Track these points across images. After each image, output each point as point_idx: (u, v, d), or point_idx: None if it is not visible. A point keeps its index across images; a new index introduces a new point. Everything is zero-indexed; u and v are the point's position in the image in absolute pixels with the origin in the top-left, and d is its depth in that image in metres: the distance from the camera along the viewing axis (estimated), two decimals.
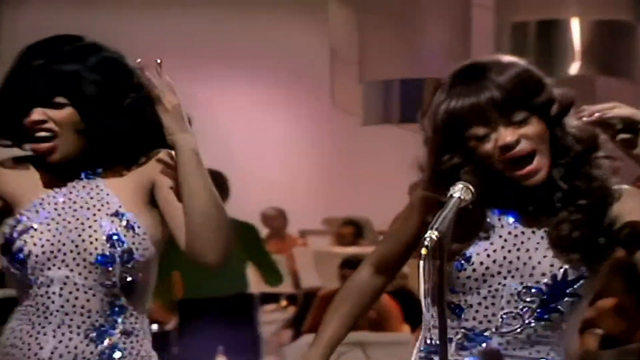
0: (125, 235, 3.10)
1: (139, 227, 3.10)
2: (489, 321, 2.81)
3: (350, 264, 8.00)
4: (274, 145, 14.07)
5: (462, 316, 2.86)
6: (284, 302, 10.94)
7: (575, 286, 2.72)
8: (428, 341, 2.88)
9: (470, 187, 2.64)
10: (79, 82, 3.10)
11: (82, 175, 3.18)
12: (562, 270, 2.70)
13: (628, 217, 2.72)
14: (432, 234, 2.47)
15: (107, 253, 3.09)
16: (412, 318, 7.85)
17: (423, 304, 2.57)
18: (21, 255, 3.09)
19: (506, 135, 2.63)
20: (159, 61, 3.00)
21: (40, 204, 3.15)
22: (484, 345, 2.84)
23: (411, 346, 6.83)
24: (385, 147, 12.40)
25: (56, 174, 3.15)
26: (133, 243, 3.08)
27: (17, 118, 3.07)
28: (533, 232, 2.77)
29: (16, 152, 3.16)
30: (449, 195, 2.59)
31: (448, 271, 2.76)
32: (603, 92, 10.17)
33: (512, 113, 2.66)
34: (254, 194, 11.97)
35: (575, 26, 10.01)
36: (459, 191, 2.61)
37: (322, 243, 12.27)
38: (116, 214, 3.13)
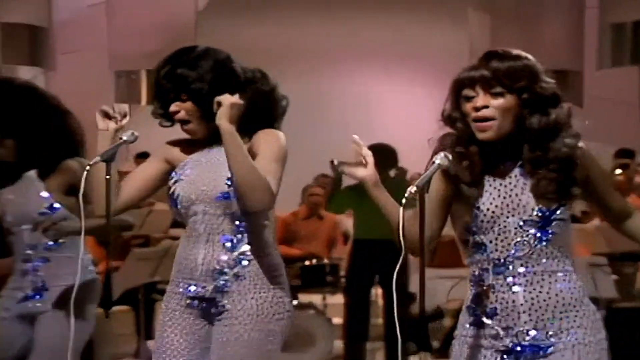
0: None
1: None
2: (507, 250, 3.26)
3: None
4: (421, 135, 14.67)
5: (487, 250, 3.30)
6: None
7: (558, 212, 3.22)
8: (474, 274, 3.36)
9: (449, 156, 3.20)
10: (193, 83, 3.72)
11: (214, 146, 3.81)
12: (546, 206, 3.21)
13: (588, 172, 3.24)
14: (411, 189, 3.04)
15: (226, 191, 3.76)
16: None
17: (402, 243, 3.11)
18: (175, 198, 3.84)
19: (480, 99, 3.22)
20: None
21: (185, 165, 3.86)
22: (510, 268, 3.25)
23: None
24: None
25: (200, 146, 3.87)
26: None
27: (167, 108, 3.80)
28: (518, 181, 3.24)
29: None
30: (432, 162, 3.19)
31: (468, 221, 3.33)
32: None
33: (493, 87, 3.21)
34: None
35: None
36: (439, 159, 3.17)
37: None
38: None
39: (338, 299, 8.54)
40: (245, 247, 3.79)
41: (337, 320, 7.97)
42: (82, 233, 3.87)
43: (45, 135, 4.64)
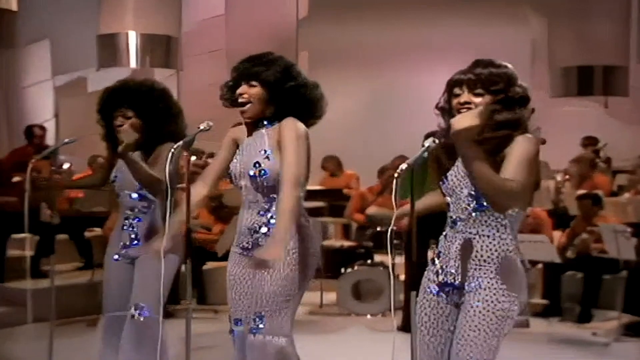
0: (263, 163, 3.99)
1: (270, 157, 4.00)
2: (457, 212, 3.50)
3: None
4: None
5: (450, 209, 3.55)
6: None
7: None
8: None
9: (436, 140, 3.41)
10: (263, 73, 3.92)
11: (254, 132, 4.03)
12: None
13: (508, 154, 3.31)
14: (402, 166, 3.23)
15: (253, 173, 3.97)
16: (560, 226, 9.01)
17: (395, 211, 3.36)
18: (230, 174, 4.10)
19: (464, 97, 3.41)
20: None
21: (240, 146, 4.09)
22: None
23: (547, 243, 7.47)
24: (564, 113, 12.48)
25: (251, 127, 4.05)
26: (267, 166, 3.97)
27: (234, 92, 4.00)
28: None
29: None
30: (423, 145, 3.40)
31: (438, 188, 3.60)
32: None
33: (475, 88, 3.40)
34: None
35: None
36: (428, 142, 3.37)
37: None
38: (264, 150, 4.03)
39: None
40: (275, 214, 3.99)
41: (403, 277, 7.88)
42: (169, 201, 4.08)
43: (163, 124, 4.77)
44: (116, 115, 4.64)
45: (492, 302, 3.41)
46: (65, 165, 10.24)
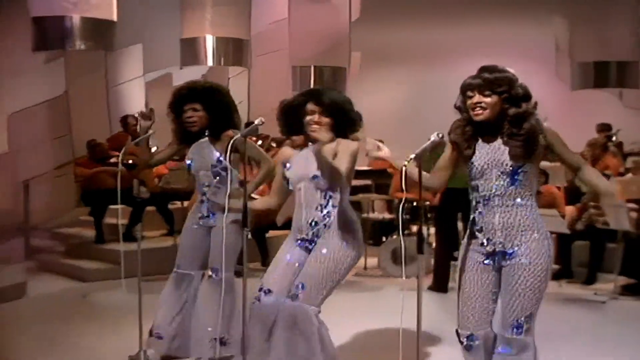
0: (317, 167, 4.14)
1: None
2: (490, 190, 3.61)
3: None
4: None
5: (480, 190, 3.64)
6: None
7: (522, 167, 3.56)
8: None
9: (440, 134, 3.51)
10: (327, 105, 4.12)
11: (303, 149, 4.28)
12: (514, 163, 3.55)
13: (549, 142, 3.57)
14: (410, 156, 3.37)
15: (315, 174, 4.16)
16: (571, 202, 8.91)
17: (404, 197, 3.48)
18: (287, 179, 4.31)
19: (476, 98, 3.56)
20: None
21: (292, 160, 4.29)
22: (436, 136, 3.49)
23: (558, 217, 7.37)
24: (583, 103, 12.83)
25: (299, 147, 4.36)
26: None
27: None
28: (499, 147, 3.59)
29: None
30: (429, 138, 3.48)
31: (466, 171, 3.71)
32: None
33: (484, 90, 3.54)
34: None
35: None
36: (433, 136, 3.50)
37: None
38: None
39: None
40: (330, 209, 4.21)
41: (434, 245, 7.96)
42: (228, 181, 4.51)
43: (224, 115, 4.97)
44: (186, 109, 4.90)
45: (538, 260, 3.56)
46: (153, 149, 10.71)
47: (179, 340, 4.96)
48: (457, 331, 3.76)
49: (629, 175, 9.46)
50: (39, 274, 8.38)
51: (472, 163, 3.64)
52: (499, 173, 3.58)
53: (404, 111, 14.21)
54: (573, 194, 9.25)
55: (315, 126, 4.11)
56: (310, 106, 4.14)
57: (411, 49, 14.09)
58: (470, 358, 3.74)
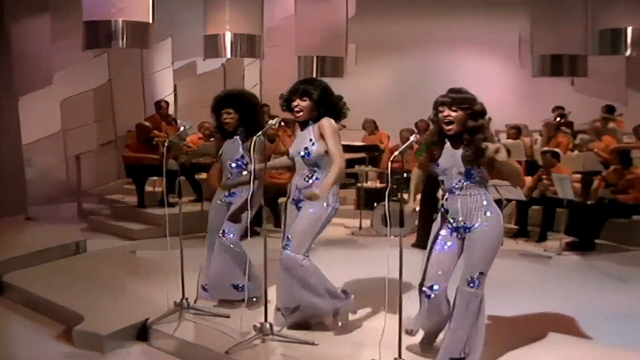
0: (309, 147, 4.52)
1: (314, 144, 4.51)
2: (452, 184, 3.95)
3: None
4: (490, 87, 12.66)
5: (445, 184, 3.99)
6: None
7: (475, 168, 3.88)
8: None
9: (418, 136, 3.87)
10: (310, 91, 4.50)
11: (304, 129, 4.59)
12: (469, 165, 3.87)
13: (488, 152, 3.77)
14: (395, 153, 3.78)
15: (303, 152, 4.52)
16: (529, 174, 9.13)
17: (388, 187, 3.76)
18: (290, 153, 4.64)
19: (446, 112, 3.85)
20: None
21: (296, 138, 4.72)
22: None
23: (517, 188, 7.52)
24: (542, 89, 13.00)
25: (302, 125, 4.63)
26: (311, 150, 4.52)
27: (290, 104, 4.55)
28: (460, 153, 3.89)
29: None
30: (409, 140, 3.81)
31: (433, 170, 3.98)
32: None
33: (452, 106, 3.83)
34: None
35: None
36: (412, 137, 3.85)
37: None
38: (310, 139, 4.54)
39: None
40: (313, 180, 4.56)
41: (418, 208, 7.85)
42: (253, 170, 4.75)
43: (252, 117, 5.25)
44: (222, 113, 5.30)
45: (490, 232, 3.92)
46: (182, 128, 10.99)
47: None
48: (420, 285, 4.11)
49: (576, 152, 9.88)
50: (92, 233, 8.69)
51: (438, 164, 3.99)
52: (457, 172, 3.94)
53: (393, 94, 14.27)
54: (531, 167, 9.79)
55: (299, 112, 4.55)
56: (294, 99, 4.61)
57: (399, 41, 14.08)
58: (426, 306, 4.08)
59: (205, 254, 5.50)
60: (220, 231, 5.21)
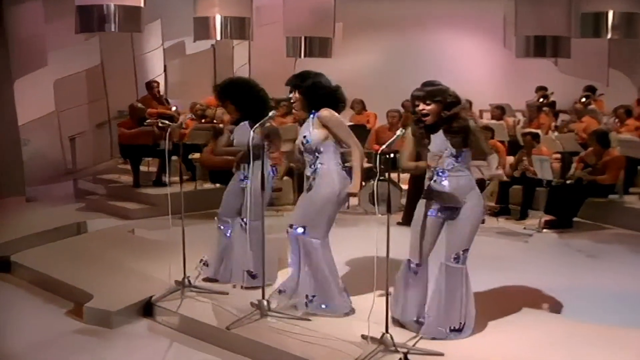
0: (308, 135, 4.72)
1: (313, 131, 4.69)
2: (443, 166, 4.25)
3: None
4: (475, 67, 14.38)
5: (434, 166, 4.27)
6: None
7: (460, 152, 4.22)
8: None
9: (404, 130, 4.08)
10: (302, 85, 4.71)
11: (310, 117, 4.75)
12: (455, 149, 4.21)
13: (471, 136, 4.17)
14: (383, 147, 3.94)
15: (303, 140, 4.73)
16: (511, 153, 9.49)
17: (377, 176, 4.20)
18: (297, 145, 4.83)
19: (421, 106, 4.18)
20: None
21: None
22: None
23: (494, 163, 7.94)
24: (526, 69, 13.23)
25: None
26: (310, 137, 4.72)
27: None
28: (441, 138, 4.21)
29: None
30: (395, 133, 4.07)
31: (425, 153, 4.24)
32: None
33: (426, 100, 4.14)
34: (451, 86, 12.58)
35: None
36: (399, 131, 4.06)
37: None
38: (310, 128, 4.73)
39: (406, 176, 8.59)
40: (318, 166, 4.74)
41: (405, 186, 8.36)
42: (250, 160, 4.94)
43: (249, 105, 5.44)
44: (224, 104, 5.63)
45: (472, 212, 4.27)
46: (174, 108, 11.31)
47: (222, 268, 5.76)
48: (408, 260, 4.48)
49: (556, 133, 10.27)
50: (90, 213, 8.99)
51: (429, 150, 4.30)
52: (450, 155, 4.26)
53: (379, 72, 14.48)
54: (513, 147, 10.07)
55: (294, 104, 4.85)
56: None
57: (385, 19, 14.24)
58: (411, 280, 4.44)
59: (220, 236, 5.73)
60: (242, 216, 5.48)
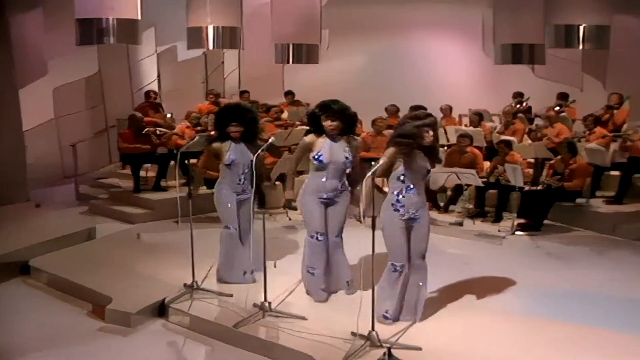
0: (349, 158, 5.57)
1: (350, 156, 5.60)
2: (418, 181, 5.01)
3: None
4: (455, 72, 15.07)
5: (410, 182, 4.99)
6: None
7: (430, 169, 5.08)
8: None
9: (384, 159, 4.79)
10: (338, 114, 5.59)
11: (332, 140, 5.53)
12: (429, 168, 5.02)
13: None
14: (372, 168, 4.60)
15: (343, 162, 5.57)
16: (488, 159, 9.91)
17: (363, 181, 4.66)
18: (321, 159, 5.55)
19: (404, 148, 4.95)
20: None
21: (323, 147, 5.52)
22: None
23: (474, 175, 8.59)
24: (503, 75, 13.71)
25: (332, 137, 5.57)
26: (350, 160, 5.60)
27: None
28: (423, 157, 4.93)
29: None
30: (379, 162, 4.72)
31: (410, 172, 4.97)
32: None
33: (402, 145, 4.86)
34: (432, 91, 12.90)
35: None
36: (382, 159, 4.81)
37: None
38: (346, 150, 5.60)
39: None
40: (344, 180, 5.66)
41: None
42: (254, 180, 5.70)
43: (254, 130, 6.16)
44: (229, 124, 6.21)
45: (428, 216, 5.10)
46: (168, 115, 11.94)
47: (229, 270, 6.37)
48: (392, 264, 5.15)
49: (529, 140, 10.96)
50: (95, 218, 9.51)
51: (413, 168, 5.04)
52: (427, 171, 5.09)
53: (364, 76, 14.93)
54: (490, 153, 10.64)
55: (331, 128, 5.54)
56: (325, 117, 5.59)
57: (370, 25, 14.56)
58: (395, 278, 5.15)
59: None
60: (242, 226, 6.22)
